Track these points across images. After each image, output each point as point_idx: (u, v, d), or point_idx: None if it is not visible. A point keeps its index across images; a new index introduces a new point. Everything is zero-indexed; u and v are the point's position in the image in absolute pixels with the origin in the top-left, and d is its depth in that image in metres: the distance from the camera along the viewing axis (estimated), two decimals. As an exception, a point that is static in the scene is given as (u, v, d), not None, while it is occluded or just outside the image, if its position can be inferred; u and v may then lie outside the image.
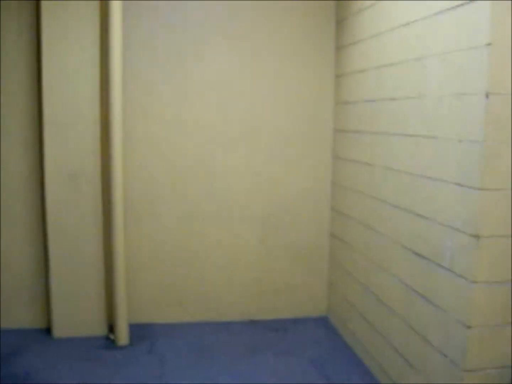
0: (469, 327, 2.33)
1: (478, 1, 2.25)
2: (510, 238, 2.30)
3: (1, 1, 3.71)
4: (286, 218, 4.30)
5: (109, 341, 3.87)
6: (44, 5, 3.59)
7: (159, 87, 4.02)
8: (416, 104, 2.82)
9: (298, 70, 4.17)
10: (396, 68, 3.07)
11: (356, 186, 3.76)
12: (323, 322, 4.32)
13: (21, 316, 4.02)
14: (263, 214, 4.27)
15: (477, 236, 2.28)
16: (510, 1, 2.17)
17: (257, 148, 4.20)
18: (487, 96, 2.21)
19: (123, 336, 3.83)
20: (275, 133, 4.20)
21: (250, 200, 4.24)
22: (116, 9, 3.56)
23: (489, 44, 2.19)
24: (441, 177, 2.56)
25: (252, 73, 4.13)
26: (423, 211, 2.74)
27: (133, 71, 3.94)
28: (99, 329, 3.95)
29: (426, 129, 2.72)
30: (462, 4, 2.37)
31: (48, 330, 3.98)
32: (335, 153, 4.22)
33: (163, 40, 3.98)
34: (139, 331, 4.02)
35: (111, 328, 3.92)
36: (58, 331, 3.90)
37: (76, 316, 3.91)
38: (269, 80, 4.15)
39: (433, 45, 2.64)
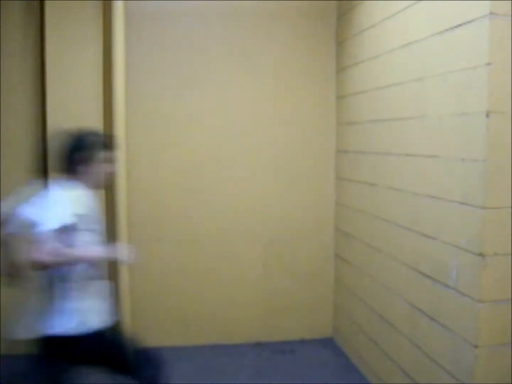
0: (476, 346, 2.31)
1: (476, 21, 2.28)
2: (515, 256, 2.30)
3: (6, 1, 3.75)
4: (290, 239, 4.29)
5: (114, 365, 3.84)
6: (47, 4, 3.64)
7: (161, 104, 4.05)
8: (418, 124, 2.84)
9: (299, 91, 4.20)
10: (397, 89, 3.10)
11: (359, 206, 3.76)
12: (329, 344, 4.29)
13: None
14: (267, 234, 4.26)
15: (481, 255, 2.27)
16: (510, 21, 2.19)
17: (259, 170, 4.21)
18: (487, 115, 2.22)
19: (128, 360, 3.80)
20: (277, 154, 4.22)
21: (253, 221, 4.24)
22: (118, 25, 3.63)
23: (488, 64, 2.21)
24: (445, 196, 2.56)
25: (252, 95, 4.16)
26: (428, 230, 2.74)
27: (136, 86, 3.97)
28: (104, 354, 3.92)
29: (428, 148, 2.73)
30: (461, 24, 2.40)
31: (53, 355, 3.95)
32: (338, 173, 4.23)
33: (165, 56, 4.04)
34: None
35: (116, 352, 3.90)
36: (63, 356, 3.87)
37: (81, 340, 3.88)
38: (270, 101, 4.18)
39: (433, 65, 2.67)
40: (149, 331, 4.14)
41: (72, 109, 3.75)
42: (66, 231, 2.20)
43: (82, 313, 2.31)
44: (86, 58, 3.75)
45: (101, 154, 2.46)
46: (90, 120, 3.74)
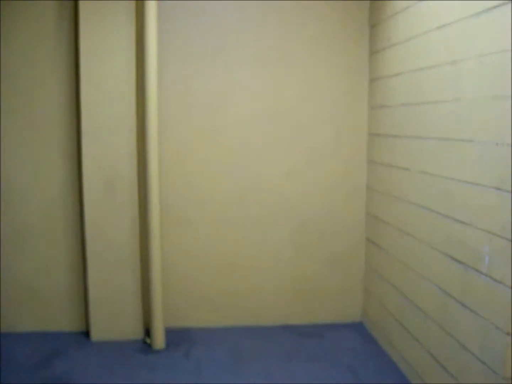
0: (508, 333, 2.29)
1: (514, 2, 2.22)
2: (550, 243, 2.26)
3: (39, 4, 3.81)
4: (320, 222, 4.29)
5: (145, 345, 3.91)
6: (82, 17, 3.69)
7: (194, 93, 4.06)
8: (452, 108, 2.79)
9: (332, 74, 4.17)
10: (431, 72, 3.04)
11: (391, 190, 3.73)
12: (358, 328, 4.29)
13: (60, 319, 4.10)
14: (297, 218, 4.26)
15: (515, 241, 2.24)
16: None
17: (291, 153, 4.20)
18: (525, 98, 2.18)
19: (159, 340, 3.87)
20: (308, 137, 4.20)
21: (285, 205, 4.24)
22: (152, 24, 3.64)
23: (526, 46, 2.16)
24: (479, 181, 2.52)
25: (285, 78, 4.14)
26: (461, 216, 2.70)
27: (168, 78, 3.99)
28: (136, 333, 4.00)
29: (462, 132, 2.68)
30: (497, 6, 2.34)
31: (86, 334, 4.05)
32: (370, 157, 4.20)
33: (198, 45, 4.04)
34: (175, 335, 4.05)
35: (148, 332, 3.97)
36: (96, 335, 3.96)
37: (113, 320, 3.97)
38: (303, 84, 4.16)
39: (468, 48, 2.61)
40: (180, 312, 4.23)
41: (105, 105, 3.79)
42: None
43: None
44: (119, 56, 3.76)
45: None
46: (124, 115, 3.80)
